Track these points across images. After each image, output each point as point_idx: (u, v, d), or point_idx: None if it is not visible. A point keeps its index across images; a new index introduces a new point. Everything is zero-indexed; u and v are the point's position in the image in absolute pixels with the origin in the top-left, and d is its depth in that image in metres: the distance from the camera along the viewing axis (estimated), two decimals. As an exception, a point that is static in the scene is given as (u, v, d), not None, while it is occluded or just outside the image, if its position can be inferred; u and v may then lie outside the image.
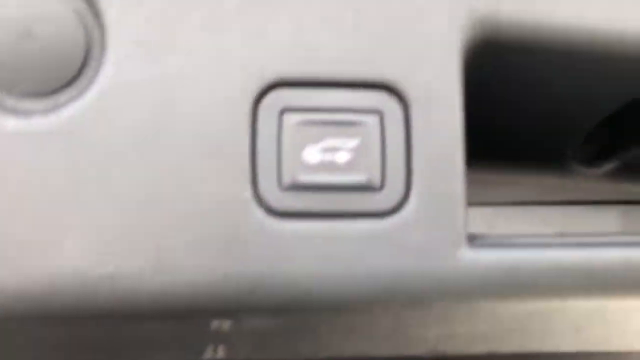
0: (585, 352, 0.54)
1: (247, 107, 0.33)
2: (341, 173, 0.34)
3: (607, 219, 0.55)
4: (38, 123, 0.32)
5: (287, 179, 0.34)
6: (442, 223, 0.35)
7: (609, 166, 0.55)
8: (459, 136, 0.36)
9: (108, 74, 0.32)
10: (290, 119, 0.34)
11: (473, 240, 0.36)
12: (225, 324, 0.36)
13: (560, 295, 0.37)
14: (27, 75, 0.32)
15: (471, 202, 0.52)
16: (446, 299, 0.36)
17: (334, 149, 0.34)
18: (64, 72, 0.33)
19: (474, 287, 0.36)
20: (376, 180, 0.35)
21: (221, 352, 0.46)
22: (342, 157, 0.34)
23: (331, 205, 0.34)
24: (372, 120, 0.35)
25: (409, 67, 0.35)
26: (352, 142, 0.34)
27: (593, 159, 0.56)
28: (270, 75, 0.34)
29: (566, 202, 0.54)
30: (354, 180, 0.34)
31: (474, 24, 0.36)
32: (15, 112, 0.32)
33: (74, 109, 0.32)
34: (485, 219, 0.52)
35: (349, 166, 0.34)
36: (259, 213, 0.33)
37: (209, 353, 0.46)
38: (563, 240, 0.37)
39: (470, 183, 0.57)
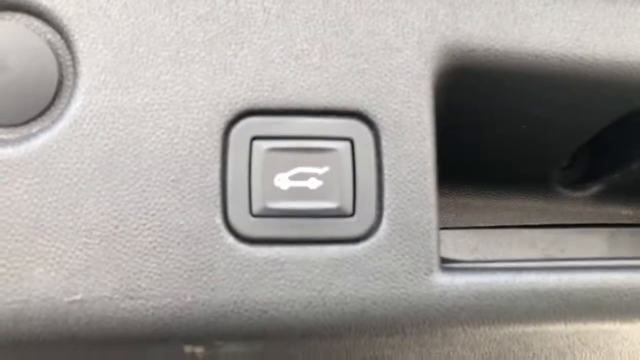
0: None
1: (217, 135, 0.34)
2: (312, 199, 0.34)
3: (592, 243, 0.55)
4: (9, 153, 0.33)
5: (257, 206, 0.34)
6: (414, 249, 0.35)
7: (593, 189, 0.55)
8: (430, 162, 0.36)
9: (79, 104, 0.33)
10: (261, 147, 0.34)
11: (446, 264, 0.36)
12: (199, 350, 0.36)
13: (537, 320, 0.37)
14: (1, 105, 0.33)
15: (455, 226, 0.52)
16: (420, 324, 0.36)
17: (305, 176, 0.35)
18: (37, 103, 0.33)
19: (449, 312, 0.36)
20: (347, 206, 0.35)
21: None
22: (312, 184, 0.35)
23: (302, 232, 0.34)
24: (342, 147, 0.35)
25: (378, 95, 0.36)
26: (323, 169, 0.35)
27: (577, 182, 0.56)
28: (240, 105, 0.34)
29: (552, 225, 0.54)
30: (324, 206, 0.35)
31: (444, 53, 0.37)
32: (-13, 142, 0.33)
33: (46, 139, 0.33)
34: (468, 243, 0.52)
35: (319, 193, 0.35)
36: (229, 239, 0.34)
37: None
38: (538, 265, 0.37)
39: (455, 208, 0.57)
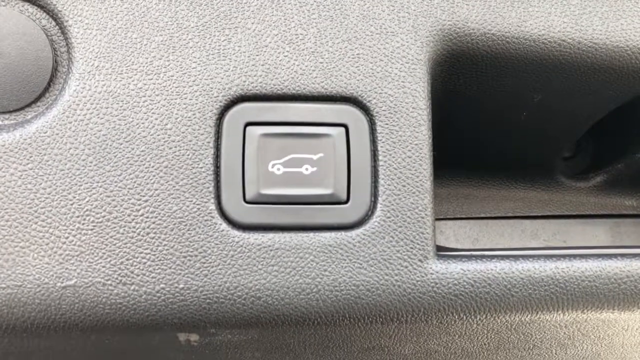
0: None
1: (210, 121, 0.34)
2: (306, 186, 0.34)
3: (595, 233, 0.54)
4: (4, 138, 0.33)
5: (251, 192, 0.34)
6: (409, 235, 0.35)
7: (596, 179, 0.54)
8: (425, 148, 0.36)
9: (73, 89, 0.33)
10: (254, 132, 0.34)
11: (442, 252, 0.36)
12: (193, 338, 0.36)
13: (534, 308, 0.37)
14: (-5, 91, 0.33)
15: (457, 217, 0.51)
16: (415, 311, 0.35)
17: (299, 162, 0.34)
18: (32, 89, 0.33)
19: (444, 299, 0.35)
20: (342, 193, 0.35)
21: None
22: (307, 170, 0.34)
23: (295, 219, 0.34)
24: (337, 133, 0.35)
25: (373, 80, 0.35)
26: (317, 155, 0.35)
27: (581, 172, 0.55)
28: (233, 90, 0.34)
29: (554, 216, 0.54)
30: (319, 193, 0.34)
31: (439, 38, 0.36)
32: (-18, 127, 0.33)
33: (40, 124, 0.33)
34: (469, 234, 0.52)
35: (314, 179, 0.34)
36: (222, 226, 0.33)
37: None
38: (535, 253, 0.37)
39: (457, 198, 0.57)
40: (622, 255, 0.37)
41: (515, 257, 0.36)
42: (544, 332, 0.42)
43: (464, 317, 0.36)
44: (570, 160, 0.55)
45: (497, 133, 0.48)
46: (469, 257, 0.36)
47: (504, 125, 0.47)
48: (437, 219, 0.45)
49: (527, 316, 0.37)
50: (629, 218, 0.56)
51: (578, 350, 0.48)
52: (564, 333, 0.42)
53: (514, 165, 0.53)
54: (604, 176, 0.54)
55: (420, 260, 0.35)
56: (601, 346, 0.47)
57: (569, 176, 0.55)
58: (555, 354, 0.48)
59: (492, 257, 0.36)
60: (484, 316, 0.37)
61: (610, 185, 0.54)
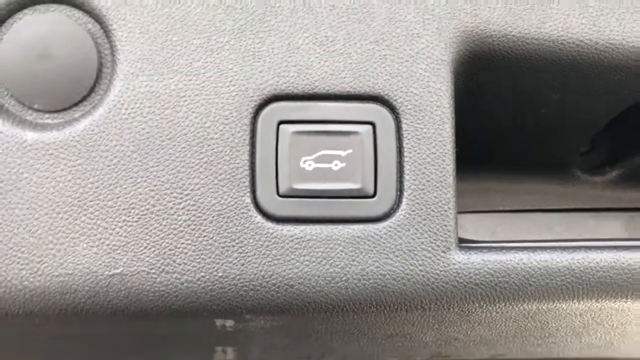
0: (589, 359, 0.54)
1: (246, 120, 0.36)
2: (335, 181, 0.36)
3: (610, 227, 0.55)
4: (54, 136, 0.35)
5: (284, 187, 0.36)
6: (432, 228, 0.37)
7: (612, 174, 0.56)
8: (449, 145, 0.37)
9: (118, 90, 0.35)
10: (287, 130, 0.36)
11: (464, 244, 0.38)
12: (229, 324, 0.38)
13: (550, 297, 0.38)
14: (46, 92, 0.35)
15: (476, 210, 0.53)
16: (438, 300, 0.37)
17: (329, 158, 0.36)
18: (79, 89, 0.36)
19: (465, 288, 0.37)
20: (369, 187, 0.37)
21: (230, 354, 0.48)
22: (336, 166, 0.36)
23: (325, 212, 0.36)
24: (365, 131, 0.37)
25: (399, 80, 0.37)
26: (346, 152, 0.37)
27: (597, 167, 0.56)
28: (267, 90, 0.36)
29: (570, 209, 0.55)
30: (347, 187, 0.36)
31: (462, 39, 0.38)
32: (34, 126, 0.35)
33: (87, 123, 0.35)
34: (487, 227, 0.53)
35: (342, 174, 0.36)
36: (257, 218, 0.36)
37: (219, 354, 0.48)
38: (552, 245, 0.39)
39: (476, 192, 0.58)
40: (636, 247, 0.39)
41: (533, 249, 0.38)
42: (560, 321, 0.43)
43: (484, 305, 0.38)
44: (587, 155, 0.57)
45: (515, 130, 0.49)
46: (489, 249, 0.38)
47: (523, 122, 0.48)
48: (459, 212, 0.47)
49: (544, 305, 0.39)
50: None
51: (592, 339, 0.50)
52: (579, 322, 0.44)
53: (532, 161, 0.54)
54: (620, 170, 0.56)
55: (443, 252, 0.37)
56: (614, 335, 0.49)
57: (586, 170, 0.56)
58: (570, 342, 0.50)
59: (511, 248, 0.38)
60: (503, 304, 0.39)
61: (626, 180, 0.56)
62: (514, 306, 0.39)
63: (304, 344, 0.47)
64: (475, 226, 0.54)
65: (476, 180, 0.56)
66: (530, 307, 0.39)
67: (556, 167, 0.56)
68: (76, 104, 0.36)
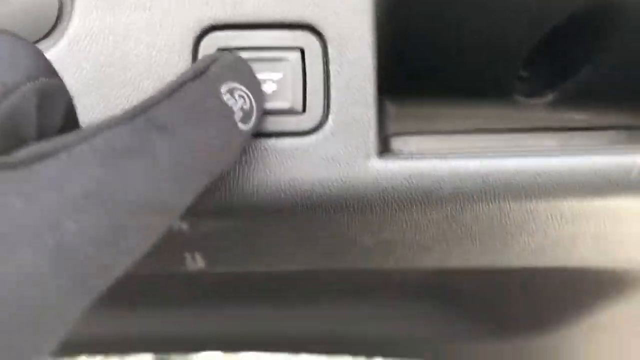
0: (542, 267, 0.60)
1: (188, 49, 0.41)
2: (269, 100, 0.42)
3: (546, 145, 0.60)
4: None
5: (224, 106, 0.41)
6: (355, 139, 0.42)
7: (549, 97, 0.60)
8: (370, 68, 0.43)
9: (75, 25, 0.41)
10: (225, 57, 0.41)
11: (383, 153, 0.44)
12: (184, 226, 0.45)
13: (463, 200, 0.44)
14: (11, 29, 0.41)
15: (412, 132, 0.58)
16: (361, 202, 0.43)
17: (263, 81, 0.42)
18: (42, 26, 0.41)
19: (384, 192, 0.43)
20: (298, 105, 0.42)
21: (200, 261, 0.55)
22: (269, 88, 0.42)
23: (261, 126, 0.42)
24: (294, 56, 0.42)
25: (326, 9, 0.42)
26: (278, 75, 0.42)
27: (536, 92, 0.61)
28: (205, 22, 0.41)
29: (506, 129, 0.60)
30: (280, 105, 0.42)
31: None
32: None
33: (50, 55, 0.41)
34: (422, 146, 0.58)
35: (275, 95, 0.42)
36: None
37: (189, 262, 0.55)
38: (464, 152, 0.44)
39: (423, 116, 0.63)
40: (537, 153, 0.44)
41: (445, 156, 0.44)
42: (480, 224, 0.49)
43: (403, 207, 0.44)
44: (526, 80, 0.61)
45: (448, 53, 0.54)
46: (406, 157, 0.44)
47: (454, 46, 0.53)
48: (397, 134, 0.52)
49: (457, 206, 0.45)
50: (580, 131, 0.62)
51: (520, 244, 0.55)
52: (498, 225, 0.50)
53: (474, 87, 0.59)
54: (556, 94, 0.60)
55: (363, 159, 0.42)
56: (542, 239, 0.55)
57: (524, 94, 0.61)
58: (500, 247, 0.56)
59: (426, 155, 0.44)
60: (420, 207, 0.45)
61: (563, 101, 0.61)
62: (431, 209, 0.45)
63: (264, 252, 0.53)
64: (419, 147, 0.59)
65: (423, 106, 0.61)
66: (445, 208, 0.45)
67: (498, 93, 0.60)
68: (40, 40, 0.41)
